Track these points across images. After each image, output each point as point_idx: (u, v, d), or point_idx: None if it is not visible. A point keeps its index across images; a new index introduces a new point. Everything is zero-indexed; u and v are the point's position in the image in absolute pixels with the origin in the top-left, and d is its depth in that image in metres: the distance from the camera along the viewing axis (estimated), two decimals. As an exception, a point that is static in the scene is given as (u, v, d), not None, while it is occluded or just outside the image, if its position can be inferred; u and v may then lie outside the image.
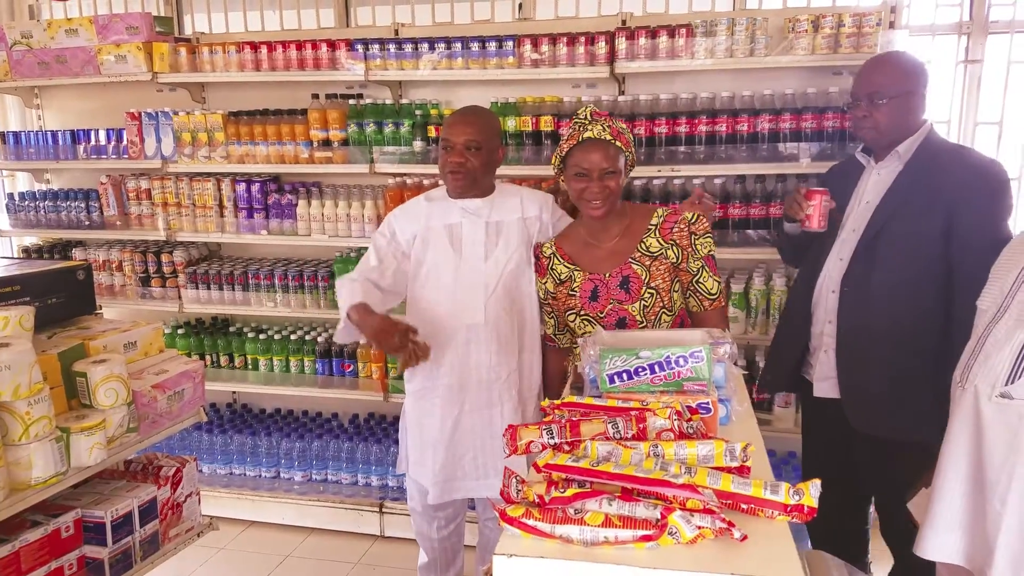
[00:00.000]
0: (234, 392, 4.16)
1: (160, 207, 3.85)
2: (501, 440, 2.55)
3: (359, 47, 3.44)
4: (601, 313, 2.23)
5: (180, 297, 3.87)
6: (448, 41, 3.34)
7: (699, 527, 0.91)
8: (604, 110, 3.34)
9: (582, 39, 3.24)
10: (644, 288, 2.20)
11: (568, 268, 2.30)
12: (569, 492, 0.97)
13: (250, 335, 3.85)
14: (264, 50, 3.56)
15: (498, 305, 2.47)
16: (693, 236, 2.21)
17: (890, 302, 2.33)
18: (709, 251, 2.24)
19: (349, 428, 3.90)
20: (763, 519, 0.97)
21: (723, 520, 0.91)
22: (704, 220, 2.24)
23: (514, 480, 1.02)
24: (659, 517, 0.91)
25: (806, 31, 3.07)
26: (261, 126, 3.62)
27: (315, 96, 3.61)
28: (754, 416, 1.33)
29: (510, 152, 3.31)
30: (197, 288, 3.83)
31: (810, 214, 2.40)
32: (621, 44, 3.21)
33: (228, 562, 3.55)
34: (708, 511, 0.92)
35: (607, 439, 1.08)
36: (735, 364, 1.59)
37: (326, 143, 3.53)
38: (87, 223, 3.96)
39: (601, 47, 3.22)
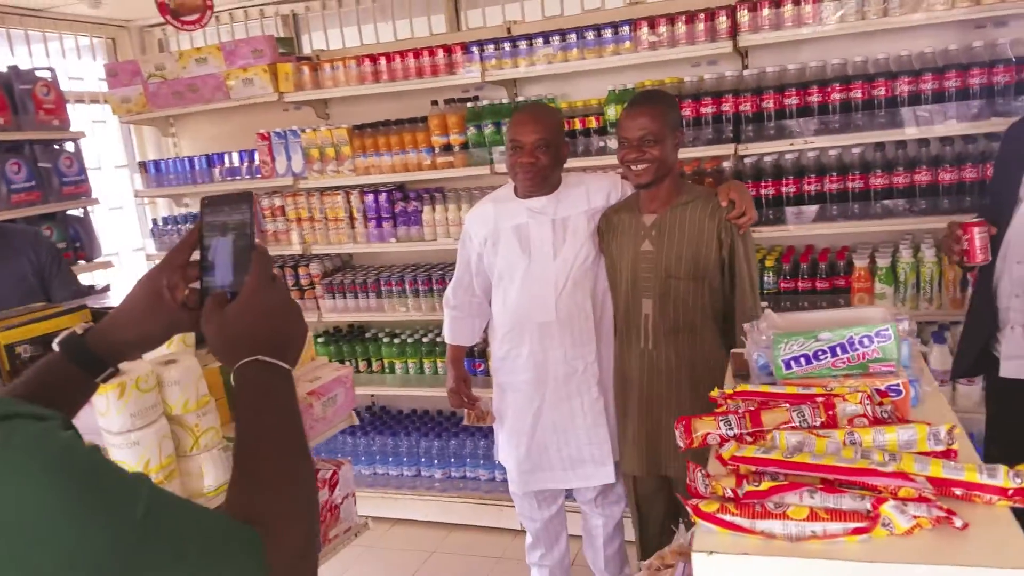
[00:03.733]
0: (372, 396, 4.28)
1: (294, 222, 4.00)
2: (584, 431, 2.62)
3: (474, 49, 3.46)
4: None
5: (318, 307, 4.02)
6: (562, 33, 3.31)
7: (915, 517, 0.84)
8: (728, 86, 3.26)
9: (701, 15, 3.14)
10: None
11: None
12: (764, 486, 0.92)
13: (385, 340, 3.95)
14: (383, 61, 3.64)
15: (570, 301, 2.52)
16: None
17: None
18: None
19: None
20: (980, 505, 0.89)
21: (941, 508, 0.84)
22: None
23: (699, 474, 0.98)
24: (870, 508, 0.85)
25: (946, -17, 2.87)
26: (384, 136, 3.69)
27: (434, 102, 3.66)
28: (942, 395, 1.24)
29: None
30: (334, 298, 3.96)
31: (967, 249, 2.16)
32: (743, 16, 3.09)
33: (379, 559, 3.66)
34: (923, 499, 0.85)
35: (795, 428, 1.03)
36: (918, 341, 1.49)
37: (447, 148, 3.57)
38: (228, 242, 4.17)
39: (722, 22, 3.12)
